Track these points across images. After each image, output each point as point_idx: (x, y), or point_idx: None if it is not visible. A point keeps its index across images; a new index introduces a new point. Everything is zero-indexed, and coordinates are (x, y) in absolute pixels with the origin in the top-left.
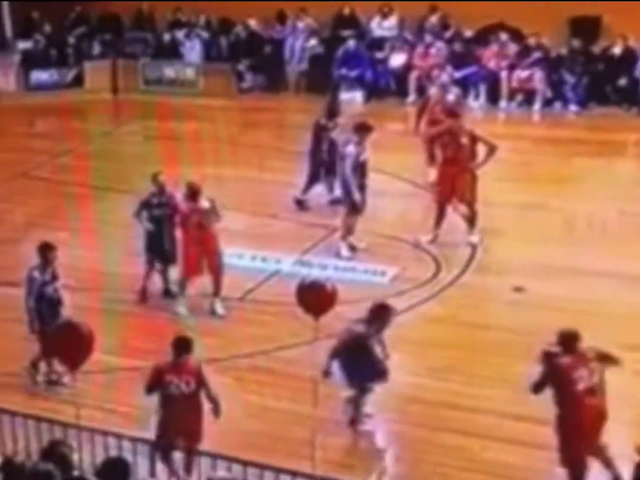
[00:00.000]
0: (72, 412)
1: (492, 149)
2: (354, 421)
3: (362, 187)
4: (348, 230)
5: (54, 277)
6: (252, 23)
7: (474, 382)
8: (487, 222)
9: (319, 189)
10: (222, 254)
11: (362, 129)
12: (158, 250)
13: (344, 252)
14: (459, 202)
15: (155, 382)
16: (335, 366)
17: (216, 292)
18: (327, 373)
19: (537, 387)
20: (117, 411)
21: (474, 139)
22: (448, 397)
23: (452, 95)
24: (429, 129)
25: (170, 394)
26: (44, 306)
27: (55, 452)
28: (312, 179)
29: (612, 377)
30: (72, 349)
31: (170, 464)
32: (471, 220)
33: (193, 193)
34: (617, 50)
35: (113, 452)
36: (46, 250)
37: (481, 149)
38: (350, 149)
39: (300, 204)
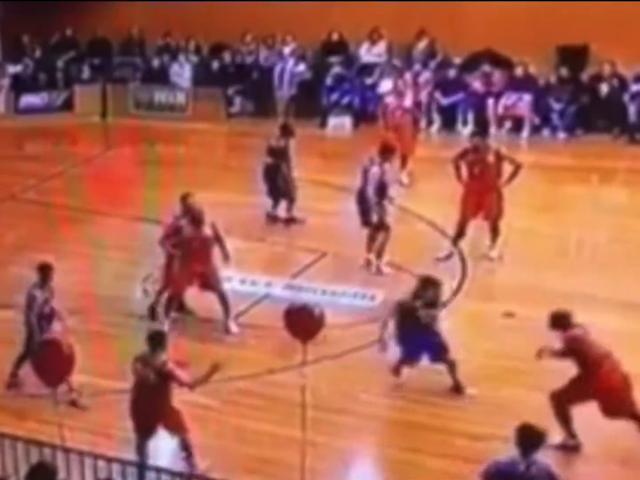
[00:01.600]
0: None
1: (517, 168)
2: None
3: (382, 207)
4: (381, 249)
5: (51, 295)
6: (242, 48)
7: (466, 406)
8: (476, 247)
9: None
10: (218, 276)
11: (386, 150)
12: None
13: (384, 269)
14: (484, 220)
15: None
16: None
17: (227, 312)
18: (383, 344)
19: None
20: (107, 434)
21: (500, 157)
22: (441, 422)
23: (408, 101)
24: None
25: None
26: (44, 323)
27: (39, 473)
28: (273, 198)
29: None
30: (52, 366)
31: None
32: (494, 236)
33: (196, 219)
34: (605, 74)
35: (102, 475)
36: (45, 269)
37: (507, 168)
38: (374, 170)
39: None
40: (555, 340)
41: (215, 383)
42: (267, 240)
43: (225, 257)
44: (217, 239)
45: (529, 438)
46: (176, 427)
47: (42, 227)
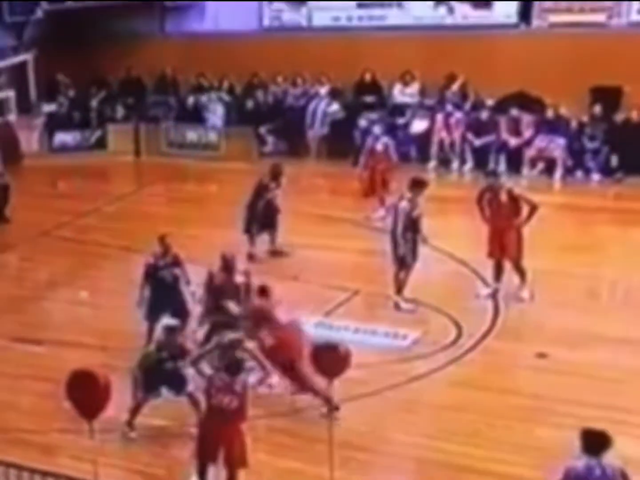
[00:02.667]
0: (91, 470)
1: (533, 208)
2: None
3: (414, 243)
4: (400, 285)
5: (174, 264)
6: (274, 88)
7: (499, 447)
8: (509, 288)
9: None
10: None
11: (416, 185)
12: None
13: (403, 305)
14: (506, 259)
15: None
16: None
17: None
18: None
19: None
20: (141, 471)
21: (513, 197)
22: (474, 463)
23: (380, 145)
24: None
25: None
26: (160, 291)
27: None
28: (247, 231)
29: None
30: (89, 399)
31: None
32: (521, 276)
33: (227, 266)
34: (635, 116)
35: None
36: (163, 239)
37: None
38: (404, 204)
39: (251, 257)
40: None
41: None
42: (299, 278)
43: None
44: (247, 287)
45: (596, 440)
46: (239, 458)
47: (75, 263)
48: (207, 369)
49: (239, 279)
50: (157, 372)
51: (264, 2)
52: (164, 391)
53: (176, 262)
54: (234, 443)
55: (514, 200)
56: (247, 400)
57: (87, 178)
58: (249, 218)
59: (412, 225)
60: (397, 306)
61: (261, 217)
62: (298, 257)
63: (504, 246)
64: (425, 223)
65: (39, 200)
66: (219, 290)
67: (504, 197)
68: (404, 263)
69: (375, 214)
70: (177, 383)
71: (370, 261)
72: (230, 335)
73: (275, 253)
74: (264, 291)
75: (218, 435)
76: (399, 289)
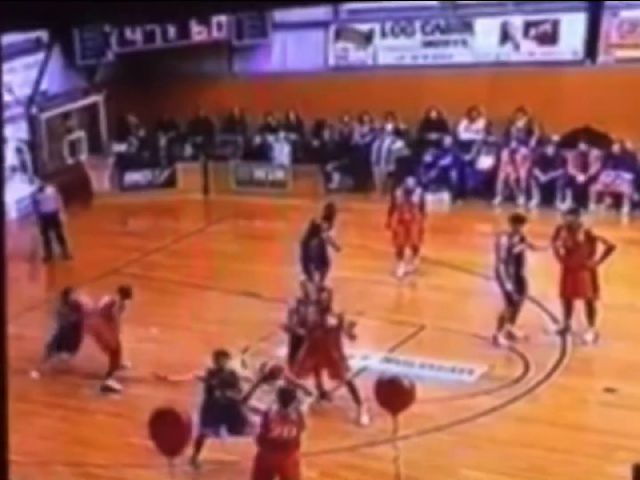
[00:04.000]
0: None
1: (610, 249)
2: None
3: (519, 278)
4: (502, 321)
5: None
6: (341, 126)
7: None
8: (576, 323)
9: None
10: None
11: (516, 221)
12: None
13: (501, 340)
14: (579, 298)
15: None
16: None
17: (357, 401)
18: None
19: None
20: None
21: (591, 237)
22: None
23: (416, 197)
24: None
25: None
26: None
27: None
28: (305, 271)
29: None
30: (171, 436)
31: None
32: (590, 317)
33: (323, 307)
34: None
35: None
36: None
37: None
38: (503, 240)
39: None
40: None
41: (314, 455)
42: (365, 313)
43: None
44: (340, 328)
45: None
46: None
47: (144, 300)
48: (260, 403)
49: (332, 321)
50: (210, 404)
51: (330, 42)
52: (224, 433)
53: None
54: (291, 473)
55: (592, 240)
56: (304, 427)
57: (156, 216)
58: (304, 258)
59: (515, 261)
60: (495, 341)
61: (315, 256)
62: (364, 292)
63: (577, 286)
64: (493, 259)
65: (109, 238)
66: (311, 330)
67: (581, 236)
68: (510, 299)
69: (403, 269)
70: (238, 424)
71: (436, 296)
72: (270, 364)
73: (322, 290)
74: None
75: (275, 466)
76: (501, 324)
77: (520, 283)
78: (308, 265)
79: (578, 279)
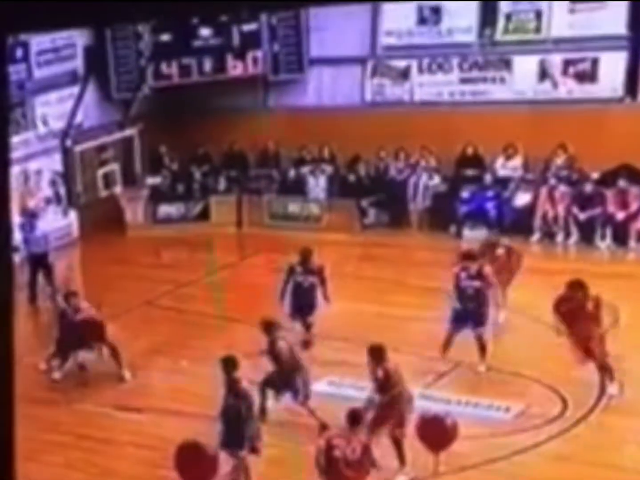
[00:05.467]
0: None
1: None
2: None
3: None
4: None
5: None
6: (377, 161)
7: None
8: (617, 362)
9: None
10: None
11: (465, 257)
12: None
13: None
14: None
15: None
16: None
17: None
18: None
19: None
20: None
21: (599, 306)
22: None
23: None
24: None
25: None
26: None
27: None
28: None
29: None
30: (197, 470)
31: None
32: (609, 374)
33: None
34: None
35: None
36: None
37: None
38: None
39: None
40: None
41: None
42: (400, 349)
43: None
44: None
45: None
46: None
47: (176, 332)
48: None
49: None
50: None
51: (367, 77)
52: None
53: None
54: None
55: (599, 308)
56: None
57: (189, 249)
58: (287, 303)
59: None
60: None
61: (292, 301)
62: (399, 327)
63: (588, 352)
64: (531, 296)
65: (142, 270)
66: None
67: (590, 306)
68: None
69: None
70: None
71: (471, 333)
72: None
73: (306, 344)
74: None
75: None
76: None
77: (463, 318)
78: (292, 310)
79: (588, 347)
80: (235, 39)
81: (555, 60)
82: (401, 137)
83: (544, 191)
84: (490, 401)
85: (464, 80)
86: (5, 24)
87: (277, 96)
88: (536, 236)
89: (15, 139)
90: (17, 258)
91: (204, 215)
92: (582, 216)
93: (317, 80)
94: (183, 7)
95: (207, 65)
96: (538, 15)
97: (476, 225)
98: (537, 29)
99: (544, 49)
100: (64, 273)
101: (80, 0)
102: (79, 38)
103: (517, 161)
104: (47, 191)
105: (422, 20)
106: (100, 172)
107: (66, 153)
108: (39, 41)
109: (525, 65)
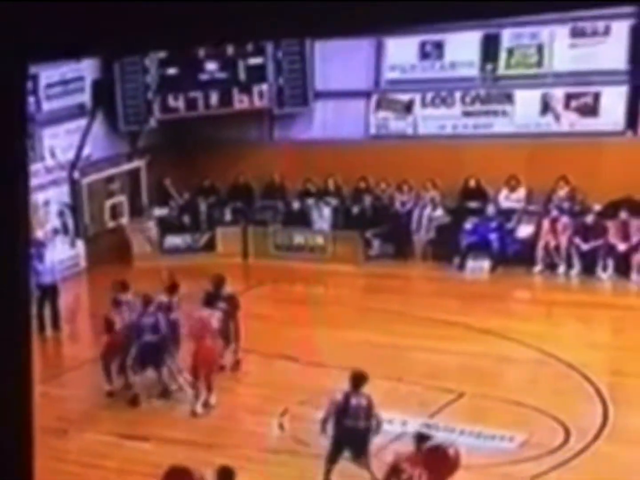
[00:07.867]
0: None
1: None
2: None
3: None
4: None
5: None
6: (381, 193)
7: None
8: (620, 391)
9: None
10: None
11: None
12: None
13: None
14: None
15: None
16: None
17: None
18: None
19: None
20: None
21: None
22: None
23: None
24: None
25: None
26: None
27: None
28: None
29: None
30: None
31: None
32: None
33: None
34: None
35: None
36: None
37: None
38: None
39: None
40: None
41: None
42: (404, 379)
43: None
44: None
45: None
46: None
47: None
48: None
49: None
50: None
51: (371, 111)
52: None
53: None
54: None
55: None
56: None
57: (195, 279)
58: None
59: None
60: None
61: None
62: (403, 357)
63: None
64: (533, 326)
65: None
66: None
67: None
68: None
69: None
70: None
71: (475, 363)
72: None
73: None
74: None
75: None
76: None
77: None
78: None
79: None
80: (242, 73)
81: (557, 94)
82: (405, 170)
83: (546, 223)
84: (493, 431)
85: (466, 114)
86: (28, 52)
87: (283, 129)
88: (538, 267)
89: None
90: None
91: (210, 246)
92: (584, 247)
93: (322, 114)
94: (196, 35)
95: (214, 98)
96: (540, 49)
97: (479, 256)
98: (539, 63)
99: (546, 83)
100: (73, 303)
101: (103, 30)
102: (88, 71)
103: (520, 193)
104: (55, 222)
105: (425, 55)
106: (108, 203)
107: (74, 184)
108: (48, 74)
109: (527, 99)
